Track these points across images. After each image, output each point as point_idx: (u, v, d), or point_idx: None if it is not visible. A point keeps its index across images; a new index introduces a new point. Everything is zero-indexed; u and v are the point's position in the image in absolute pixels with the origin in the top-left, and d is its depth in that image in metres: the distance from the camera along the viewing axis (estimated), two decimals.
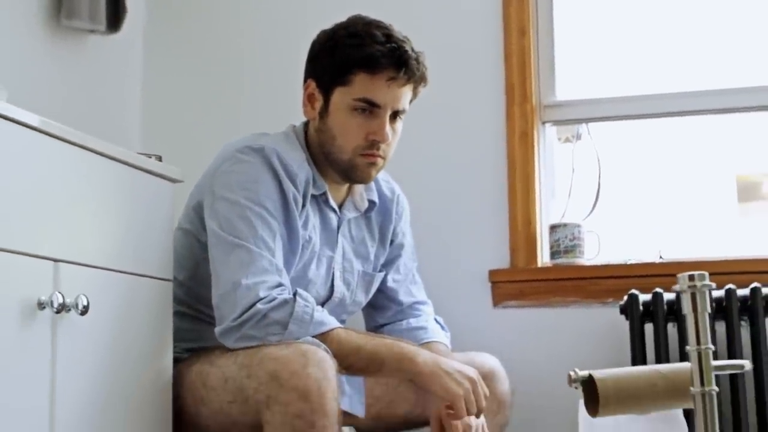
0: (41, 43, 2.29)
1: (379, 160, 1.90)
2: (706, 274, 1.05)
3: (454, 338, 2.14)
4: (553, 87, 2.52)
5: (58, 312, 1.43)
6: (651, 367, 1.13)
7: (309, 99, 1.92)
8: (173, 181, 1.80)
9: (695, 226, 2.58)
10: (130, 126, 2.63)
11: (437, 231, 2.45)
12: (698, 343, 1.04)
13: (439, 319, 2.13)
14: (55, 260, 1.47)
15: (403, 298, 2.11)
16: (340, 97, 1.87)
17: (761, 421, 2.10)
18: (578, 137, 2.58)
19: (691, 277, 1.04)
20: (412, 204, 2.17)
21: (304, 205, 1.88)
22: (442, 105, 2.48)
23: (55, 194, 1.50)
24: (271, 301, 1.72)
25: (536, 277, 2.40)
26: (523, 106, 2.47)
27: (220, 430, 1.77)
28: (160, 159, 1.82)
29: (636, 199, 2.62)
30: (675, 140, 2.59)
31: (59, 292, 1.44)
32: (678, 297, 2.08)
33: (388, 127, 1.87)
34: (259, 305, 1.71)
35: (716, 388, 1.03)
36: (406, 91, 1.88)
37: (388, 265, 2.09)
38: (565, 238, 2.40)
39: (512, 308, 2.40)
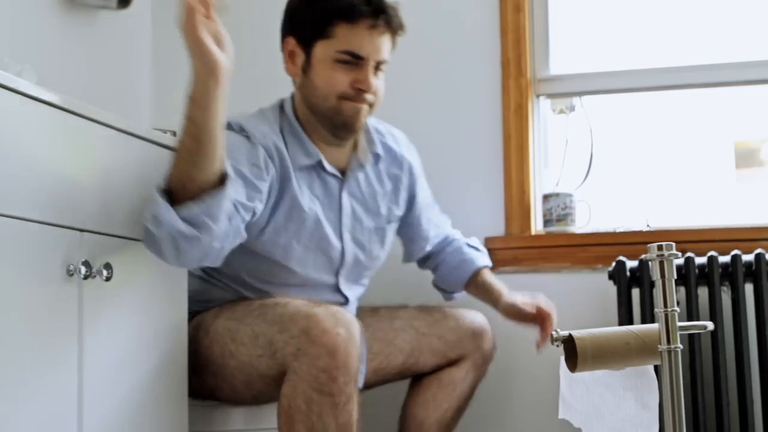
0: (52, 19, 2.30)
1: (365, 106, 1.92)
2: (673, 244, 1.15)
3: (454, 304, 2.24)
4: (548, 61, 2.57)
5: (85, 278, 1.52)
6: (625, 328, 1.23)
7: (290, 56, 1.94)
8: None
9: (691, 194, 2.57)
10: (140, 100, 2.66)
11: (436, 200, 2.46)
12: (665, 306, 1.15)
13: (471, 242, 2.25)
14: (81, 230, 1.54)
15: (435, 234, 2.23)
16: (323, 50, 1.89)
17: (740, 379, 2.18)
18: (572, 109, 2.61)
19: (660, 247, 1.14)
20: None
21: (284, 177, 1.89)
22: (440, 79, 2.53)
23: (80, 169, 1.56)
24: None
25: (530, 245, 2.47)
26: (518, 79, 2.52)
27: (244, 380, 1.85)
28: (174, 134, 1.88)
29: (628, 169, 2.65)
30: (670, 110, 2.60)
31: (86, 260, 1.52)
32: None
33: (372, 77, 1.90)
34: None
35: (680, 346, 1.14)
36: (386, 41, 1.91)
37: (419, 215, 2.19)
38: (557, 207, 2.45)
39: (507, 273, 2.45)
